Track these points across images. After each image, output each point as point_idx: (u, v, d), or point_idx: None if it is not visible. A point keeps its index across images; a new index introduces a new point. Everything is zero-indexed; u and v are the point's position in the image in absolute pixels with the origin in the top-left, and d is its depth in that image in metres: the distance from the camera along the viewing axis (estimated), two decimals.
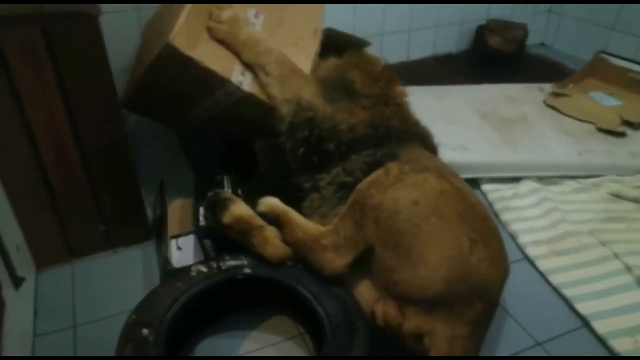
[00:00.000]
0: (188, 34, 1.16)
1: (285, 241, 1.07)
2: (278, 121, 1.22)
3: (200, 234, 1.16)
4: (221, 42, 1.22)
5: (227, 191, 1.20)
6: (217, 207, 1.07)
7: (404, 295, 0.93)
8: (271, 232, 1.06)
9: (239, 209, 1.07)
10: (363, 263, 1.00)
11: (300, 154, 1.19)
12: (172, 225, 1.24)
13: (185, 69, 1.16)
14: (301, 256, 1.04)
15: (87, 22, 1.02)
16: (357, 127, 1.20)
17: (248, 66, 1.24)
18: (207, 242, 1.14)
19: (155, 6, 1.71)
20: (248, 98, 1.23)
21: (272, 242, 1.05)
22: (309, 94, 1.22)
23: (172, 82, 1.24)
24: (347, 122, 1.20)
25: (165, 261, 1.10)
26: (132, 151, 1.22)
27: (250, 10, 1.32)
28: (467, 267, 0.91)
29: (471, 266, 0.91)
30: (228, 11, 1.24)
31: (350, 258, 0.99)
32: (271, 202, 1.11)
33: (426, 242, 0.92)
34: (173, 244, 1.18)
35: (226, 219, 1.06)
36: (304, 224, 1.06)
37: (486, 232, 0.97)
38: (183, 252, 1.16)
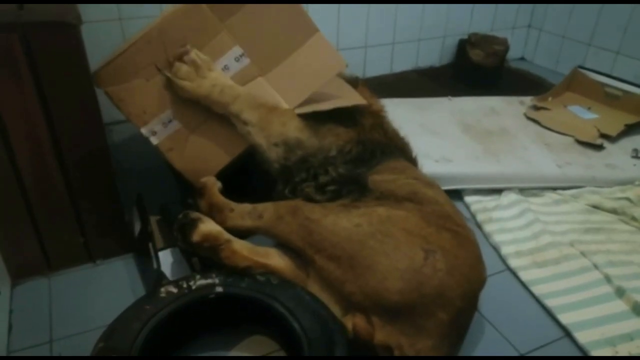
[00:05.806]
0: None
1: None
2: (267, 164, 1.20)
3: (188, 251, 1.13)
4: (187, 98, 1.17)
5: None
6: (186, 227, 1.05)
7: (361, 305, 0.93)
8: (239, 244, 1.05)
9: (208, 226, 1.05)
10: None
11: (304, 194, 1.16)
12: (157, 238, 1.22)
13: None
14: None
15: (67, 32, 1.01)
16: (346, 147, 1.19)
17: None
18: (195, 259, 1.12)
19: (138, 17, 1.71)
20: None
21: (239, 254, 1.04)
22: (294, 130, 1.19)
23: None
24: (335, 146, 1.19)
25: (159, 274, 1.07)
26: (113, 161, 1.20)
27: (235, 49, 1.18)
28: (421, 277, 0.91)
29: (425, 276, 0.91)
30: (186, 61, 1.14)
31: (239, 224, 1.08)
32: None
33: (372, 255, 0.93)
34: (162, 256, 1.16)
35: (195, 237, 1.04)
36: (224, 203, 1.13)
37: (451, 242, 0.98)
38: (171, 265, 1.14)
